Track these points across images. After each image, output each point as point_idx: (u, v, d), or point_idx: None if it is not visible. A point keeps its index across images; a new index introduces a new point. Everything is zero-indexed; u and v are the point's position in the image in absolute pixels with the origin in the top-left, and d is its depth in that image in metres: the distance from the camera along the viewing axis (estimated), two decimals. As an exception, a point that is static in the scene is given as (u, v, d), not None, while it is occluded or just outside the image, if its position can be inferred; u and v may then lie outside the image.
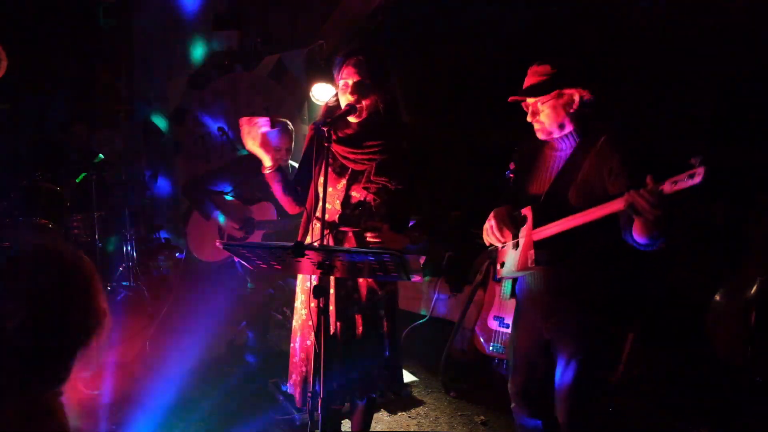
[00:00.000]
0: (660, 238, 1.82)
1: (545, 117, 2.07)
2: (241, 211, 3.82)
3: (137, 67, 6.78)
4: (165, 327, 4.31)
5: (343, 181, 2.30)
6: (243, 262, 2.03)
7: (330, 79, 2.64)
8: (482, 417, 3.29)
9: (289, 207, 2.49)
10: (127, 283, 5.00)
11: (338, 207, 2.30)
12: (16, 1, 5.80)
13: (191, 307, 4.27)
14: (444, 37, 4.90)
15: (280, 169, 2.39)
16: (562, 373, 2.11)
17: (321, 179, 2.20)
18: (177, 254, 5.24)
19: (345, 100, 2.25)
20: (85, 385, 3.36)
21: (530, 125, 2.16)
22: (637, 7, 3.75)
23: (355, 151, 2.28)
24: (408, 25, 5.10)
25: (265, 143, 2.30)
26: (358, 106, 2.22)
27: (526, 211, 2.12)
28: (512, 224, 2.18)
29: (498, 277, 2.33)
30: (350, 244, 2.29)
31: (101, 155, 4.67)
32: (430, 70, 4.99)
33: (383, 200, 2.29)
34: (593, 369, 2.11)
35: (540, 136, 2.14)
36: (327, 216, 2.24)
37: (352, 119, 2.27)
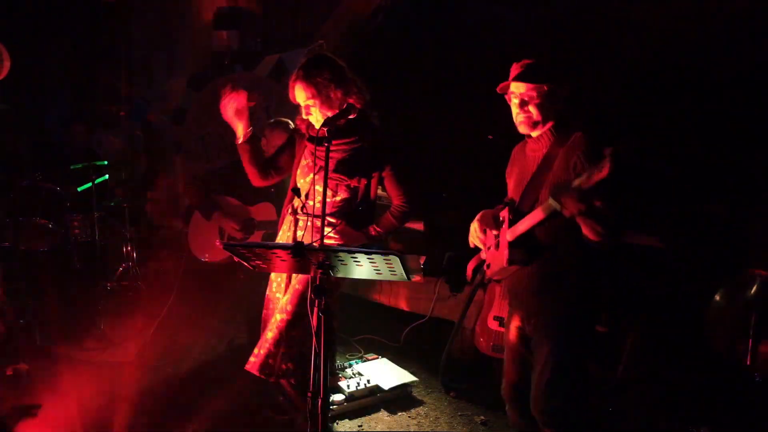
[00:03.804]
0: (605, 236, 1.88)
1: (533, 107, 2.09)
2: (242, 211, 3.83)
3: (137, 67, 6.78)
4: (165, 327, 4.31)
5: (311, 175, 2.53)
6: (243, 262, 2.05)
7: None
8: (482, 417, 3.29)
9: (254, 179, 2.69)
10: (127, 283, 5.00)
11: (304, 198, 2.55)
12: (16, 2, 5.80)
13: (191, 307, 4.27)
14: (444, 37, 4.90)
15: (250, 141, 2.59)
16: (539, 373, 2.12)
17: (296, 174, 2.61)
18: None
19: (307, 116, 2.53)
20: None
21: None
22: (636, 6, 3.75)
23: (319, 148, 2.49)
24: (408, 25, 5.10)
25: (239, 113, 2.50)
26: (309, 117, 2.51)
27: (504, 213, 2.18)
28: (494, 225, 2.24)
29: (486, 279, 2.36)
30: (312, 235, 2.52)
31: (106, 161, 4.68)
32: (430, 69, 4.99)
33: (345, 197, 2.51)
34: (568, 368, 2.10)
35: (522, 129, 2.16)
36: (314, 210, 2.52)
37: (318, 125, 2.47)
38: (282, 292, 2.64)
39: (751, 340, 2.96)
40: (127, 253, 5.03)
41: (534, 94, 2.07)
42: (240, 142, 2.59)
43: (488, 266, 2.29)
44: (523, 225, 2.05)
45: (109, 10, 6.50)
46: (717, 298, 3.19)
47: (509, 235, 2.11)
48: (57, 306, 4.33)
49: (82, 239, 4.63)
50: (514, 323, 2.29)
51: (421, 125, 4.91)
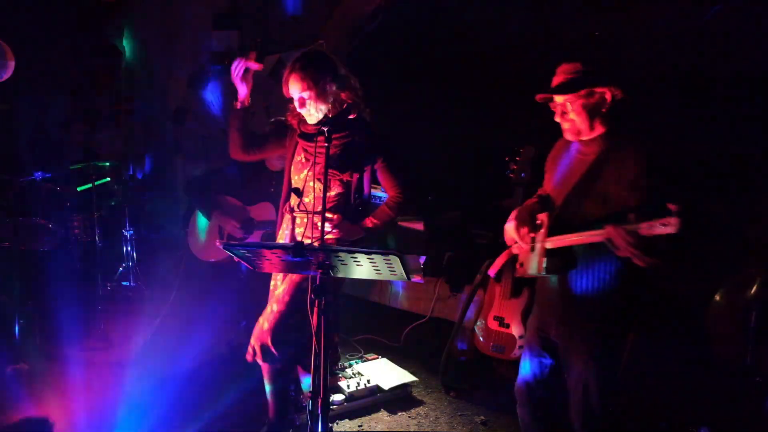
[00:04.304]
0: (651, 265, 1.86)
1: (575, 116, 2.04)
2: (241, 211, 3.82)
3: (137, 67, 6.78)
4: (165, 327, 4.31)
5: (305, 171, 2.54)
6: (243, 262, 2.04)
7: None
8: (482, 417, 3.29)
9: (234, 149, 2.71)
10: (127, 283, 5.00)
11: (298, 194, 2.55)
12: (16, 2, 5.80)
13: (191, 307, 4.27)
14: (444, 36, 4.89)
15: (246, 110, 2.63)
16: (576, 382, 2.12)
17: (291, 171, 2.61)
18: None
19: (300, 110, 2.50)
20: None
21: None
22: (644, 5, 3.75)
23: (311, 145, 2.51)
24: (408, 25, 5.10)
25: (246, 77, 2.55)
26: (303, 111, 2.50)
27: (543, 217, 2.13)
28: (531, 226, 2.18)
29: (517, 275, 2.35)
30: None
31: (107, 163, 4.71)
32: (429, 69, 4.99)
33: (339, 192, 2.52)
34: (606, 377, 2.10)
35: (568, 136, 2.11)
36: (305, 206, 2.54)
37: (311, 119, 2.51)
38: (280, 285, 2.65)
39: (751, 340, 2.97)
40: (127, 253, 5.04)
41: (572, 102, 2.03)
42: (238, 106, 2.64)
43: (521, 264, 2.26)
44: (565, 241, 2.02)
45: (109, 10, 6.50)
46: (717, 298, 3.20)
47: (548, 243, 2.08)
48: (57, 306, 4.33)
49: (82, 239, 4.62)
50: (539, 325, 2.27)
51: (420, 125, 4.91)
